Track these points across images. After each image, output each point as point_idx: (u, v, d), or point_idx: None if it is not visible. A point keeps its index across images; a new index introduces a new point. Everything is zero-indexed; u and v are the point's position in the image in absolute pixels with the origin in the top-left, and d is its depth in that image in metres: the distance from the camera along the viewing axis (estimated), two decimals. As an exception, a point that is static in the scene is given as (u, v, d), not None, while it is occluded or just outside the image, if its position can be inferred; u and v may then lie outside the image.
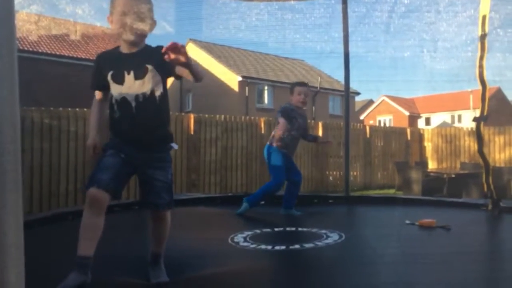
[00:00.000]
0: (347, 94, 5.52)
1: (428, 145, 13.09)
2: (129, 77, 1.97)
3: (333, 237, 2.99)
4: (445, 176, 8.13)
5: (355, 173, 11.45)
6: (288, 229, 3.47)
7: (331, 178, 11.12)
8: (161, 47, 1.97)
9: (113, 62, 2.02)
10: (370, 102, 39.70)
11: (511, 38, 4.65)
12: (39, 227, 3.26)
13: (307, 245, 2.83)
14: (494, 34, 4.31)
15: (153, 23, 2.02)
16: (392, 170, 11.16)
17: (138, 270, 2.16)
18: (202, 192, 8.46)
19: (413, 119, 35.27)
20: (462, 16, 4.73)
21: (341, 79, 5.93)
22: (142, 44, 2.05)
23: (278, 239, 3.16)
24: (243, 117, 10.41)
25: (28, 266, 1.03)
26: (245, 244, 2.87)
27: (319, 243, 2.85)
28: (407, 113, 35.42)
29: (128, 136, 2.01)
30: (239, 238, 3.02)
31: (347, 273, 2.35)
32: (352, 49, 5.33)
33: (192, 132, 8.76)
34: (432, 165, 12.57)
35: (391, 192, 9.89)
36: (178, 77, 2.02)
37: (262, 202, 4.14)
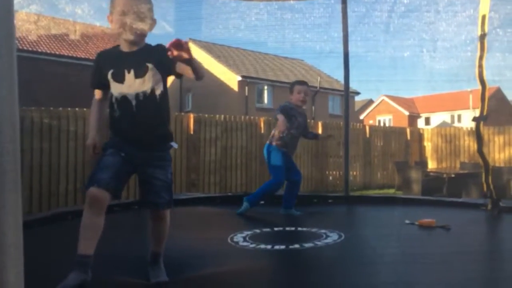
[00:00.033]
0: (347, 94, 5.52)
1: (428, 145, 13.09)
2: (129, 76, 1.97)
3: (333, 237, 2.99)
4: (444, 176, 8.13)
5: (354, 173, 11.45)
6: (287, 228, 3.47)
7: (330, 178, 11.12)
8: (161, 45, 1.98)
9: (113, 61, 2.02)
10: (370, 102, 39.70)
11: (510, 38, 4.66)
12: (38, 227, 3.25)
13: (307, 245, 2.83)
14: (493, 34, 4.31)
15: (153, 23, 2.02)
16: (392, 170, 11.16)
17: (138, 269, 2.16)
18: (201, 192, 8.46)
19: (412, 119, 35.28)
20: (462, 16, 4.74)
21: (341, 79, 5.95)
22: (142, 43, 2.05)
23: (277, 238, 3.16)
24: (242, 117, 10.41)
25: (28, 266, 1.03)
26: (245, 243, 2.87)
27: (318, 243, 2.85)
28: (406, 113, 35.43)
29: (128, 135, 2.00)
30: (238, 237, 3.02)
31: (346, 272, 2.35)
32: (351, 48, 5.34)
33: (191, 132, 8.76)
34: (431, 165, 12.57)
35: (390, 192, 9.89)
36: (179, 76, 2.02)
37: (262, 202, 4.14)
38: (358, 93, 25.75)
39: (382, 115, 36.69)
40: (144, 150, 2.01)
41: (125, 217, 3.83)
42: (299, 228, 3.45)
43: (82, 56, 15.69)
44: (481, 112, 3.86)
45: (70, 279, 1.80)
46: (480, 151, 3.99)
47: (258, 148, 9.18)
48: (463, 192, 6.49)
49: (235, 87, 21.47)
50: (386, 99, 36.64)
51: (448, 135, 12.87)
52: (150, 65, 1.97)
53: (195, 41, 21.96)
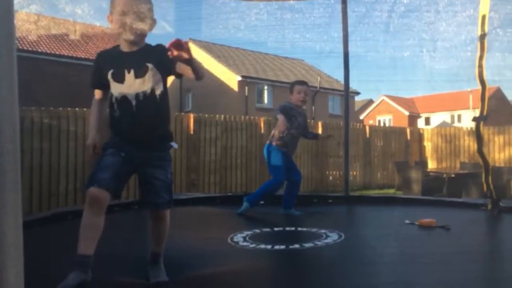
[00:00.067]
0: (347, 94, 5.53)
1: (428, 145, 13.09)
2: (129, 76, 1.97)
3: (333, 237, 2.99)
4: (444, 176, 8.14)
5: (354, 173, 11.45)
6: (287, 228, 3.47)
7: (330, 178, 11.12)
8: (161, 45, 1.98)
9: (114, 61, 2.02)
10: (370, 102, 39.70)
11: (510, 38, 4.66)
12: (38, 227, 3.25)
13: (307, 245, 2.83)
14: (493, 34, 4.31)
15: (153, 23, 2.02)
16: (392, 170, 11.16)
17: (138, 269, 2.16)
18: (201, 192, 8.46)
19: (412, 118, 35.28)
20: (462, 16, 4.74)
21: (341, 79, 5.95)
22: (142, 43, 2.05)
23: (277, 238, 3.16)
24: (242, 117, 10.41)
25: (28, 266, 1.03)
26: (245, 243, 2.87)
27: (318, 243, 2.85)
28: (406, 113, 35.43)
29: (128, 134, 2.00)
30: (238, 237, 3.02)
31: (346, 272, 2.35)
32: (351, 48, 5.34)
33: (191, 132, 8.76)
34: (431, 165, 12.58)
35: (390, 192, 9.89)
36: (179, 75, 2.02)
37: (262, 202, 4.14)
38: (358, 93, 25.75)
39: (382, 115, 36.69)
40: (144, 150, 2.01)
41: (125, 217, 3.83)
42: (299, 228, 3.45)
43: (82, 56, 15.69)
44: (481, 112, 3.86)
45: (70, 279, 1.80)
46: (480, 151, 3.99)
47: (258, 148, 9.18)
48: (463, 192, 6.50)
49: (235, 87, 21.47)
50: (386, 99, 36.64)
51: (448, 135, 12.87)
52: (150, 65, 1.97)
53: (195, 41, 21.97)
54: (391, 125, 29.36)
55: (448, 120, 33.75)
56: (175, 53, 1.69)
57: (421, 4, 5.32)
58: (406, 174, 8.19)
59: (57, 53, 15.48)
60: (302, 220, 3.88)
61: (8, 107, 0.97)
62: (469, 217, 3.87)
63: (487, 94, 3.84)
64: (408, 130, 13.41)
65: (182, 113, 12.04)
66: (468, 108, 30.99)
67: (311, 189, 10.31)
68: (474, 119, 3.97)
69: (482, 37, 3.77)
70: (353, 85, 21.49)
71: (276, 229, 3.42)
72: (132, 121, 1.98)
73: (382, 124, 30.45)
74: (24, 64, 11.32)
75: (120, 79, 1.98)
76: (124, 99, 1.98)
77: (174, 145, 2.12)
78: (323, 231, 3.18)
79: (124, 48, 2.04)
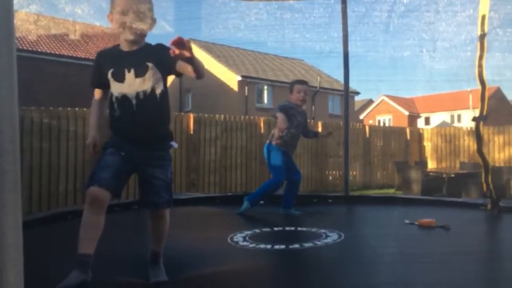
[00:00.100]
0: (347, 94, 5.52)
1: (428, 145, 13.10)
2: (129, 75, 1.97)
3: (333, 237, 2.99)
4: (444, 175, 8.14)
5: (354, 173, 11.45)
6: (287, 228, 3.47)
7: (330, 177, 11.12)
8: (161, 45, 1.98)
9: (114, 60, 2.02)
10: (370, 101, 39.69)
11: (510, 38, 4.66)
12: (38, 227, 3.25)
13: (307, 245, 2.83)
14: (493, 34, 4.32)
15: (153, 22, 2.02)
16: (392, 170, 11.16)
17: (138, 269, 2.16)
18: (201, 192, 8.46)
19: (412, 118, 35.28)
20: (461, 16, 4.74)
21: (341, 79, 5.94)
22: (142, 42, 2.05)
23: (277, 238, 3.16)
24: (242, 117, 10.41)
25: (27, 266, 1.03)
26: (245, 243, 2.87)
27: (318, 243, 2.85)
28: (406, 113, 35.43)
29: (128, 134, 2.01)
30: (238, 237, 3.02)
31: (346, 272, 2.35)
32: (351, 48, 5.33)
33: (191, 132, 8.76)
34: (431, 164, 12.58)
35: (390, 191, 9.89)
36: (179, 75, 2.02)
37: (262, 202, 4.14)
38: (358, 93, 25.74)
39: (382, 115, 36.69)
40: (144, 149, 2.01)
41: (125, 217, 3.83)
42: (299, 228, 3.45)
43: (82, 56, 15.69)
44: (481, 112, 3.86)
45: (70, 278, 1.80)
46: (480, 151, 3.99)
47: (258, 148, 9.18)
48: (463, 192, 6.49)
49: (235, 87, 21.47)
50: (386, 99, 36.64)
51: (448, 135, 12.88)
52: (150, 64, 1.97)
53: (195, 41, 21.96)
54: (391, 125, 29.34)
55: (448, 120, 33.74)
56: (177, 51, 1.69)
57: (421, 4, 5.33)
58: (406, 174, 8.19)
59: (57, 53, 15.48)
60: (302, 220, 3.88)
61: (8, 107, 0.97)
62: (469, 217, 3.87)
63: (487, 94, 3.84)
64: (408, 130, 13.42)
65: (182, 113, 12.04)
66: (468, 108, 31.00)
67: (311, 189, 10.31)
68: (474, 119, 3.97)
69: (482, 37, 3.77)
70: (353, 85, 21.45)
71: (276, 229, 3.42)
72: (132, 120, 1.98)
73: (382, 124, 30.46)
74: (24, 64, 11.33)
75: (120, 78, 1.98)
76: (124, 98, 1.98)
77: (174, 144, 2.12)
78: (323, 231, 3.18)
79: (124, 47, 2.04)
